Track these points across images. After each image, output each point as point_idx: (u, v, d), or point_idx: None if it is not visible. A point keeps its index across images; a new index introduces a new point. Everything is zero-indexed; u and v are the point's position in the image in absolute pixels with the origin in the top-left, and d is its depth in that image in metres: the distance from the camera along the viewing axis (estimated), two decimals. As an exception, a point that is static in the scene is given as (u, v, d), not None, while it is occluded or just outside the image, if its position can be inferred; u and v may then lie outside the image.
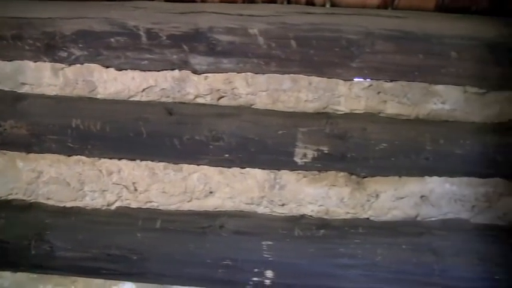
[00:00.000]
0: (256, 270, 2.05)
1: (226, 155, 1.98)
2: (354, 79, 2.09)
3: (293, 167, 1.99)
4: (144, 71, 1.97)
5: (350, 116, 2.02)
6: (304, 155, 2.04)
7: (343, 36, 1.91)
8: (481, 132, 2.11)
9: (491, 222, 2.16)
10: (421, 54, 2.06)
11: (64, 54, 1.94)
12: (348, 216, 2.14)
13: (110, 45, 2.07)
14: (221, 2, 1.95)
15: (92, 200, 2.06)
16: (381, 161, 2.09)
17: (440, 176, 2.13)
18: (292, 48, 1.97)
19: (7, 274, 2.15)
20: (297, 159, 2.01)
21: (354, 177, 2.14)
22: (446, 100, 2.15)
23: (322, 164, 2.00)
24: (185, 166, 2.02)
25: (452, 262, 2.08)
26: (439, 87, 2.15)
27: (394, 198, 2.14)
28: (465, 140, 2.10)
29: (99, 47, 1.93)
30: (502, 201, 2.16)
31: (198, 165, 1.99)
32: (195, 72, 1.98)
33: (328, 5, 2.09)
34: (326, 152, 1.97)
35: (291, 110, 1.99)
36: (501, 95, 2.14)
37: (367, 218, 2.15)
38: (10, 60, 1.92)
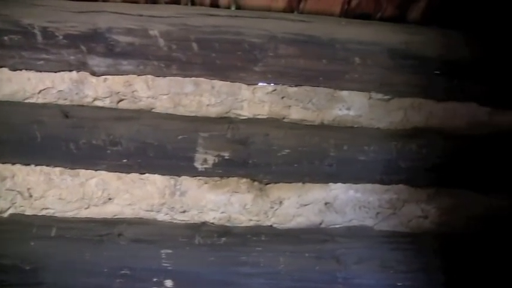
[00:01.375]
0: (155, 279, 2.14)
1: (125, 160, 2.02)
2: (258, 83, 2.22)
3: (194, 172, 2.05)
4: (40, 71, 1.96)
5: (253, 121, 2.08)
6: (205, 161, 2.11)
7: (246, 40, 2.00)
8: (385, 138, 2.27)
9: (395, 229, 2.31)
10: (325, 60, 2.20)
11: (-47, 52, 1.95)
12: (251, 224, 2.23)
13: (3, 44, 2.12)
14: (123, 1, 2.11)
15: (-16, 207, 2.00)
16: (284, 167, 2.22)
17: (344, 182, 2.26)
18: (194, 51, 2.06)
19: None
20: (198, 165, 2.07)
21: (256, 183, 2.24)
22: (351, 106, 2.30)
23: (223, 169, 2.06)
24: (82, 171, 2.01)
25: (355, 269, 2.22)
26: (344, 93, 2.28)
27: (298, 205, 2.25)
28: (369, 146, 2.25)
29: (-9, 45, 1.68)
30: (406, 207, 2.33)
31: (95, 170, 1.99)
32: (93, 73, 2.00)
33: (233, 8, 2.22)
34: (227, 157, 2.04)
35: (193, 114, 2.04)
36: (405, 101, 2.31)
37: (271, 226, 2.25)
38: None
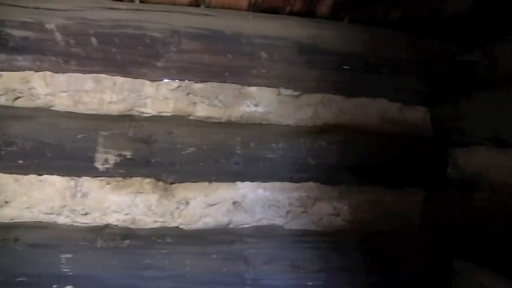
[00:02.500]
0: (54, 286, 2.14)
1: (20, 161, 2.09)
2: (162, 80, 2.35)
3: (95, 173, 2.13)
4: None
5: (156, 119, 2.20)
6: (106, 161, 2.18)
7: (147, 34, 2.05)
8: (294, 135, 2.43)
9: (306, 228, 2.48)
10: (231, 55, 2.31)
11: None
12: (156, 225, 2.36)
13: None
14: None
15: None
16: (189, 166, 2.35)
17: (252, 181, 2.42)
18: (93, 46, 2.10)
19: None
20: (98, 165, 2.16)
21: (161, 183, 2.38)
22: (259, 102, 2.45)
23: (125, 169, 2.15)
24: (-24, 174, 2.01)
25: (264, 270, 2.37)
26: (252, 89, 2.44)
27: (205, 205, 2.40)
28: (277, 143, 2.40)
29: None
30: (317, 205, 2.50)
31: (-11, 172, 2.07)
32: (-14, 70, 2.00)
33: (137, 1, 2.30)
34: (129, 157, 2.14)
35: (94, 112, 2.13)
36: (315, 97, 2.49)
37: (177, 227, 2.39)
38: None
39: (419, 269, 2.54)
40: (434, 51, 2.47)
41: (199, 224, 2.42)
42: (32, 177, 2.29)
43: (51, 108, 2.18)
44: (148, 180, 2.38)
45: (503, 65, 2.28)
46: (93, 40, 2.25)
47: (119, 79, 2.35)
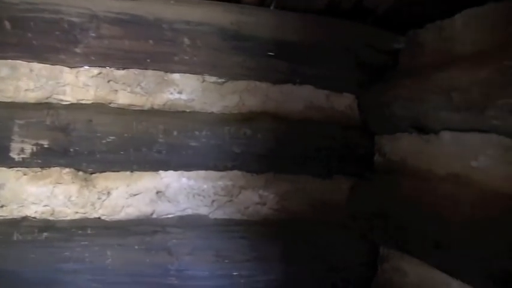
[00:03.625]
0: None
1: None
2: (82, 66, 2.39)
3: (10, 163, 2.16)
4: None
5: (75, 107, 2.22)
6: (22, 150, 2.20)
7: (65, 19, 2.06)
8: (218, 123, 2.51)
9: (231, 217, 2.59)
10: (152, 40, 2.29)
11: None
12: (77, 217, 2.41)
13: None
14: None
15: None
16: (109, 155, 2.40)
17: (176, 170, 2.51)
18: (7, 31, 2.07)
19: None
20: (14, 155, 2.18)
21: (81, 173, 2.44)
22: (183, 89, 2.53)
23: (43, 159, 2.20)
24: None
25: (188, 260, 2.46)
26: (176, 76, 2.52)
27: (127, 195, 2.47)
28: (201, 131, 2.48)
29: None
30: (243, 194, 2.61)
31: None
32: None
33: None
34: (46, 146, 2.17)
35: (10, 100, 2.16)
36: (240, 84, 2.58)
37: (98, 218, 2.45)
38: None
39: (346, 256, 2.67)
40: (360, 38, 2.52)
41: (122, 215, 2.48)
42: None
43: (-36, 96, 2.10)
44: (67, 170, 2.42)
45: (425, 53, 2.43)
46: (7, 24, 2.18)
47: (36, 65, 2.37)
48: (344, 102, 2.76)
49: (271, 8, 2.33)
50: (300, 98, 2.67)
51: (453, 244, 1.94)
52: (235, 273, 2.51)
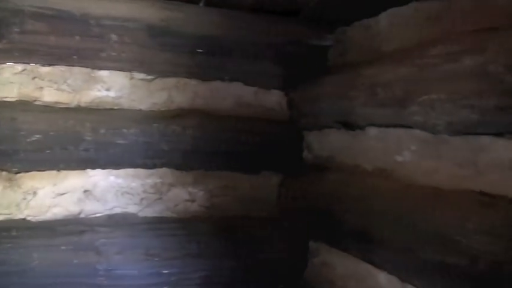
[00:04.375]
0: None
1: None
2: (5, 63, 2.40)
3: None
4: None
5: None
6: None
7: None
8: (147, 120, 2.60)
9: (161, 215, 2.68)
10: (78, 36, 2.40)
11: None
12: (1, 218, 2.42)
13: None
14: None
15: None
16: (35, 154, 2.42)
17: (103, 168, 2.56)
18: None
19: None
20: None
21: (4, 173, 2.44)
22: (111, 87, 2.59)
23: None
24: None
25: (117, 260, 2.52)
26: (103, 73, 2.57)
27: (54, 194, 2.50)
28: (129, 128, 2.56)
29: None
30: (172, 192, 2.70)
31: None
32: None
33: None
34: None
35: None
36: (169, 81, 2.67)
37: (24, 219, 2.47)
38: None
39: (276, 251, 2.79)
40: (289, 35, 2.67)
41: (48, 215, 2.51)
42: None
43: None
44: (-10, 170, 2.19)
45: (353, 50, 2.58)
46: None
47: (-45, 61, 2.16)
48: (273, 98, 2.86)
49: (201, 4, 2.55)
50: (228, 94, 2.76)
51: (378, 236, 2.08)
52: (165, 271, 2.59)
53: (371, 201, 2.17)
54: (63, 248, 2.47)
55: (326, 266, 2.64)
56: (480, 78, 1.57)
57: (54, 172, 2.52)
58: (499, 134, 1.60)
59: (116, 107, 2.59)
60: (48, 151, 2.46)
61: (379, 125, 2.24)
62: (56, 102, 2.52)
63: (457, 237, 1.67)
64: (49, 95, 2.52)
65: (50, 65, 2.49)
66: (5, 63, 2.41)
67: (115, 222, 2.59)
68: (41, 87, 2.50)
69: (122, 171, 2.59)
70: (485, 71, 1.54)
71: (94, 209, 2.61)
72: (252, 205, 2.80)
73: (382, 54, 2.26)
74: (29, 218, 2.50)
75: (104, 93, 2.61)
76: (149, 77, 2.64)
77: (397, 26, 2.24)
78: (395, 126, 2.12)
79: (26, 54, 2.44)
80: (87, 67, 2.53)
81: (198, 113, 2.70)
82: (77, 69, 2.52)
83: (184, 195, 2.73)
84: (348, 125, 2.44)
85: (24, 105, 2.44)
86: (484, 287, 1.56)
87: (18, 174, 2.46)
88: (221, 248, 2.68)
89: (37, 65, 2.48)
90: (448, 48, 1.74)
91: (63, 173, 2.53)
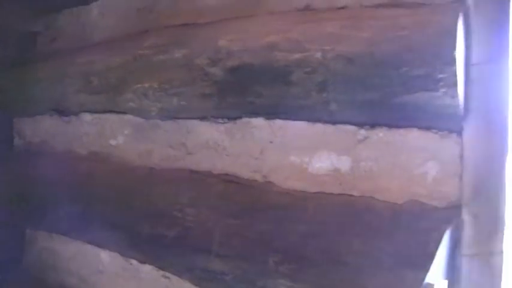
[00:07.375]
0: None
1: None
2: None
3: None
4: None
5: None
6: None
7: None
8: None
9: None
10: None
11: None
12: None
13: None
14: None
15: None
16: None
17: None
18: None
19: None
20: None
21: None
22: None
23: None
24: None
25: None
26: None
27: None
28: None
29: None
30: None
31: None
32: None
33: None
34: None
35: None
36: None
37: None
38: None
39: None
40: (-2, 20, 2.42)
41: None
42: None
43: None
44: None
45: (64, 37, 2.57)
46: None
47: None
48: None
49: None
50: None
51: (98, 217, 2.17)
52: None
53: (89, 184, 2.25)
54: None
55: (47, 252, 2.60)
56: (187, 69, 1.74)
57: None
58: (203, 118, 1.83)
59: None
60: None
61: (94, 112, 2.31)
62: None
63: (173, 211, 1.84)
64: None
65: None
66: None
67: None
68: None
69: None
70: (192, 63, 1.71)
71: None
72: None
73: (96, 43, 2.28)
74: None
75: None
76: None
77: (108, 16, 2.30)
78: (110, 112, 2.22)
79: None
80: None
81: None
82: None
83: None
84: (62, 112, 2.45)
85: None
86: (196, 255, 1.75)
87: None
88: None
89: None
90: (159, 40, 1.88)
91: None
